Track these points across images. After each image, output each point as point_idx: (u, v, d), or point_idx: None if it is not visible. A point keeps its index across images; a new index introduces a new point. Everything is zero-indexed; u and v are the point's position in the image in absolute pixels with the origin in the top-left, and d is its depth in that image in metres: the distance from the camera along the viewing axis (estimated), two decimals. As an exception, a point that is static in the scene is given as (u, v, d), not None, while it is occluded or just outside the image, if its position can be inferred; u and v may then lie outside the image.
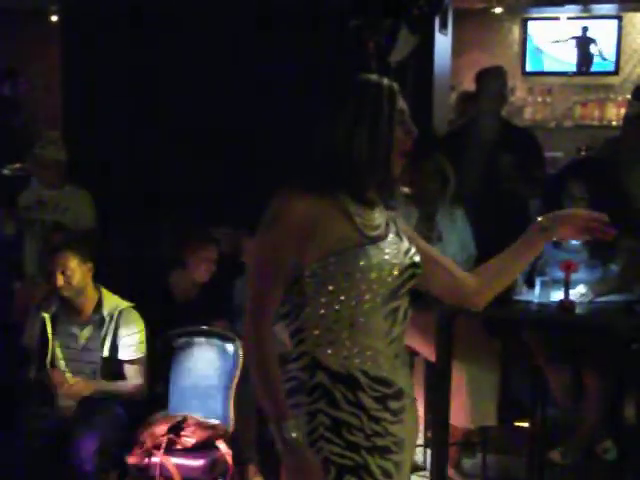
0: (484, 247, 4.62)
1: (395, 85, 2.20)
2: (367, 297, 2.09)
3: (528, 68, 7.60)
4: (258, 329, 2.10)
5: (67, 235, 4.62)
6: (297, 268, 2.11)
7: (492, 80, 5.09)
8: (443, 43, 5.44)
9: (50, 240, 4.59)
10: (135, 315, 4.05)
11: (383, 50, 4.95)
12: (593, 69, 7.50)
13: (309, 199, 2.11)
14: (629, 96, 7.35)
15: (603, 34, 7.39)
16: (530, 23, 7.57)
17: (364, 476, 2.11)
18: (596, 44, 7.42)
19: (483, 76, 5.14)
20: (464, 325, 4.22)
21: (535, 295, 4.22)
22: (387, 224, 2.22)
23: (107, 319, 3.98)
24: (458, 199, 4.63)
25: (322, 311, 2.10)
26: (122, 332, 3.97)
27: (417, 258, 2.21)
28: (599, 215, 2.30)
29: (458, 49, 6.82)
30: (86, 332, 4.00)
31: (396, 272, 2.13)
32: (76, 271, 3.96)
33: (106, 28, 5.58)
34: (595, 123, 7.48)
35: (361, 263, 2.08)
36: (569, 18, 7.41)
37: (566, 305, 4.08)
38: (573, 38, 7.47)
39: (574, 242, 4.46)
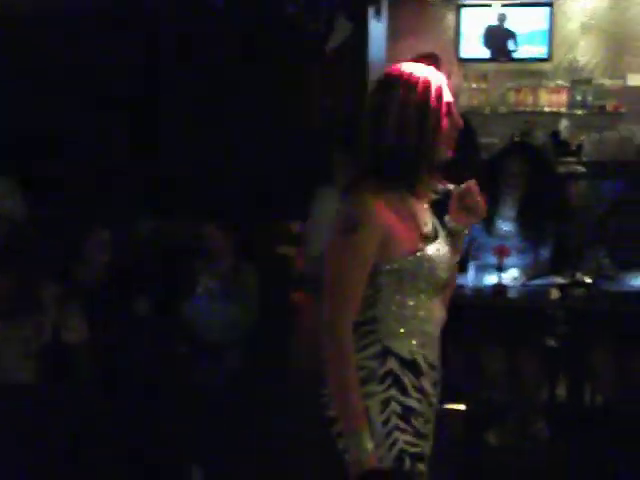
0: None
1: (443, 77, 2.23)
2: (430, 292, 2.22)
3: (463, 54, 7.65)
4: (341, 341, 2.13)
5: None
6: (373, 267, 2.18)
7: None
8: (378, 30, 5.47)
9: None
10: None
11: (321, 37, 4.97)
12: (524, 56, 7.58)
13: (382, 199, 2.16)
14: (561, 82, 7.49)
15: (534, 21, 7.49)
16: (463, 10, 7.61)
17: (425, 464, 2.22)
18: (513, 33, 7.52)
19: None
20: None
21: (469, 279, 4.29)
22: (432, 220, 2.31)
23: None
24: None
25: (394, 307, 2.19)
26: None
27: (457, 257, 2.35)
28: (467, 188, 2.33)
29: (394, 36, 6.84)
30: None
31: (448, 270, 2.28)
32: None
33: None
34: (529, 109, 7.56)
35: (427, 265, 2.20)
36: (502, 5, 7.48)
37: (499, 289, 4.16)
38: (488, 27, 7.56)
39: (506, 228, 4.54)
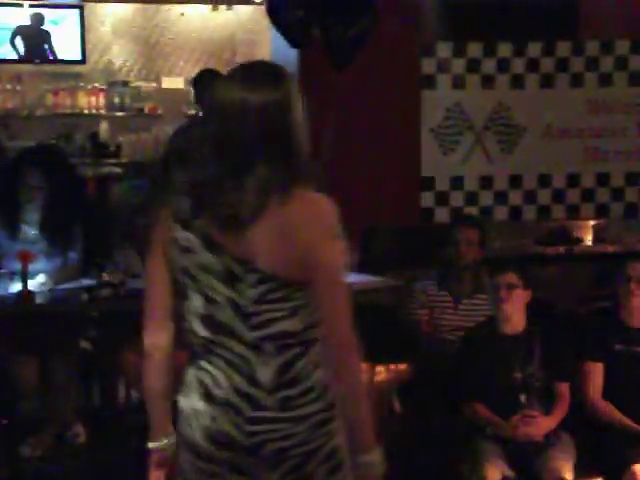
0: None
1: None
2: None
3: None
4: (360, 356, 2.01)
5: None
6: None
7: None
8: None
9: None
10: None
11: None
12: (60, 58, 7.50)
13: None
14: (97, 84, 7.54)
15: (66, 23, 7.43)
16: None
17: None
18: (48, 34, 7.45)
19: None
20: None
21: (-11, 288, 4.14)
22: None
23: None
24: None
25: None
26: None
27: None
28: None
29: None
30: None
31: None
32: None
33: None
34: (68, 111, 7.52)
35: None
36: (31, 6, 7.31)
37: (26, 295, 4.05)
38: (20, 27, 7.41)
39: (32, 232, 4.44)
